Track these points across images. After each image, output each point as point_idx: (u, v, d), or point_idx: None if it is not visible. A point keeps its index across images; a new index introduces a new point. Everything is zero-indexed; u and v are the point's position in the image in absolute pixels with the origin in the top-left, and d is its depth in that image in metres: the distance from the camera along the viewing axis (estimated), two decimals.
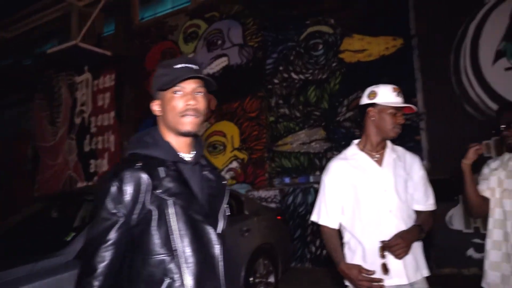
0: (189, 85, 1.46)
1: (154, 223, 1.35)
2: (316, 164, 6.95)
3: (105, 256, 1.31)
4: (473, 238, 5.45)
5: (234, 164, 7.97)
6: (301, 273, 6.37)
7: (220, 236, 1.45)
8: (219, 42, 8.50)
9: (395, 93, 2.13)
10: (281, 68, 7.60)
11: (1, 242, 3.67)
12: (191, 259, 1.36)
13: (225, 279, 1.43)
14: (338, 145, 6.65)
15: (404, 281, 2.02)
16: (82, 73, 10.74)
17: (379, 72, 6.32)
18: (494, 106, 5.44)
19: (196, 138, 1.58)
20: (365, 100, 2.20)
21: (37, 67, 11.40)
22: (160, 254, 1.34)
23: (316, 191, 2.32)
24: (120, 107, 9.73)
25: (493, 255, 2.25)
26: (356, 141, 2.30)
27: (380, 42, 6.55)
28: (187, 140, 1.51)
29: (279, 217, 5.62)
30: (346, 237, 2.22)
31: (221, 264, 1.43)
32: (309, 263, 6.79)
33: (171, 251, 1.35)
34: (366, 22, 6.71)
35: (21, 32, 12.36)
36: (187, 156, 1.51)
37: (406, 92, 2.35)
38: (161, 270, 1.33)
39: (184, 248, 1.36)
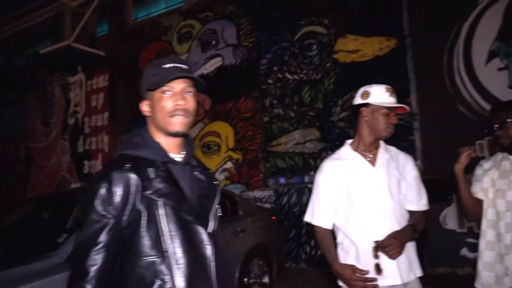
0: (178, 85, 1.45)
1: (144, 224, 1.34)
2: (310, 164, 6.95)
3: (97, 259, 1.29)
4: (467, 237, 5.47)
5: (229, 165, 7.96)
6: (296, 273, 6.37)
7: (212, 236, 1.44)
8: (213, 42, 8.48)
9: (388, 93, 2.13)
10: (275, 68, 7.59)
11: None
12: (182, 260, 1.34)
13: (217, 279, 1.42)
14: (332, 145, 6.65)
15: (397, 281, 2.02)
16: (76, 74, 10.67)
17: (373, 72, 6.33)
18: (487, 106, 5.46)
19: (186, 138, 1.56)
20: (358, 100, 2.20)
21: (30, 68, 11.32)
22: (150, 255, 1.33)
23: (311, 191, 2.32)
24: (114, 107, 9.68)
25: (486, 256, 2.25)
26: (349, 141, 2.30)
27: (374, 42, 6.57)
28: (177, 141, 1.50)
29: (273, 218, 5.61)
30: (340, 237, 2.21)
31: (212, 265, 1.41)
32: (304, 263, 6.78)
33: (162, 253, 1.33)
34: (360, 23, 6.72)
35: (13, 32, 12.26)
36: (177, 157, 1.50)
37: (400, 92, 2.36)
38: (152, 272, 1.31)
39: (175, 249, 1.34)
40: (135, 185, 1.34)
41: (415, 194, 2.20)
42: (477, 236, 2.39)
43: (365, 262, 2.04)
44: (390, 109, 2.13)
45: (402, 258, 2.03)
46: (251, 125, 7.76)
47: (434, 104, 5.95)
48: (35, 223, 4.03)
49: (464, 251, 5.47)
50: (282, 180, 7.29)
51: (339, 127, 6.78)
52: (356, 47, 6.75)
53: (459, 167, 2.24)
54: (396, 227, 2.05)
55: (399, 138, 5.87)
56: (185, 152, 1.53)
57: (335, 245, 2.21)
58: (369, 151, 2.20)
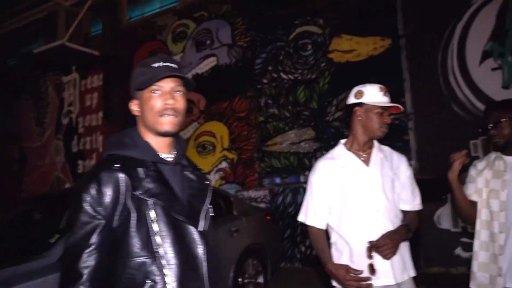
0: (168, 84, 1.43)
1: (133, 225, 1.32)
2: (305, 164, 6.95)
3: (89, 261, 1.27)
4: (461, 237, 5.48)
5: (224, 164, 7.94)
6: (290, 273, 6.36)
7: (204, 236, 1.42)
8: (208, 42, 8.47)
9: (382, 93, 2.13)
10: (270, 68, 7.59)
11: None
12: (173, 261, 1.33)
13: (209, 279, 1.41)
14: (327, 145, 6.65)
15: (391, 281, 2.02)
16: (70, 73, 10.62)
17: (367, 72, 6.34)
18: (481, 106, 5.48)
19: (177, 138, 1.55)
20: (352, 100, 2.20)
21: (24, 67, 11.24)
22: (141, 256, 1.31)
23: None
24: (108, 107, 9.64)
25: (481, 256, 2.25)
26: (343, 141, 2.30)
27: (368, 42, 6.58)
28: (166, 140, 1.48)
29: (268, 217, 5.60)
30: (333, 237, 2.21)
31: (204, 265, 1.40)
32: (298, 263, 6.78)
33: (153, 253, 1.31)
34: (355, 23, 6.72)
35: (6, 32, 12.19)
36: (168, 157, 1.48)
37: (395, 92, 2.35)
38: (142, 273, 1.30)
39: (166, 249, 1.33)
40: (125, 185, 1.33)
41: (409, 193, 2.20)
42: (471, 235, 2.39)
43: (359, 262, 2.03)
44: (384, 108, 2.12)
45: (396, 258, 2.02)
46: (246, 125, 7.75)
47: (428, 104, 5.97)
48: (27, 223, 4.00)
49: (458, 251, 5.49)
50: (277, 180, 7.28)
51: (334, 127, 6.78)
52: (351, 47, 6.76)
53: (453, 175, 2.24)
54: (390, 227, 2.05)
55: (394, 138, 5.89)
56: (175, 152, 1.52)
57: (329, 245, 2.21)
58: (363, 151, 2.19)
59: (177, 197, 1.42)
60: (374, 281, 1.98)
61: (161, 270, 1.31)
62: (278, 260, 5.55)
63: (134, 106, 1.49)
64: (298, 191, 6.92)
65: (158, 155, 1.45)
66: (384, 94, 2.13)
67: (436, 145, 5.67)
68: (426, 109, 5.98)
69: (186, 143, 1.65)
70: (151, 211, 1.34)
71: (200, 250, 1.40)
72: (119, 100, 9.32)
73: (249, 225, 4.94)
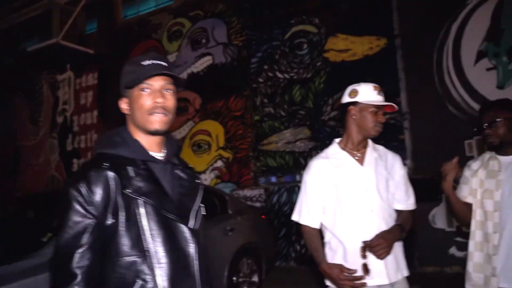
0: (157, 82, 1.41)
1: (123, 224, 1.30)
2: (301, 163, 6.95)
3: (83, 261, 1.25)
4: (456, 236, 5.50)
5: (219, 163, 7.93)
6: (285, 272, 6.36)
7: (195, 234, 1.41)
8: (204, 40, 8.45)
9: (376, 92, 2.12)
10: (266, 67, 7.58)
11: None
12: (164, 259, 1.31)
13: (201, 278, 1.39)
14: (323, 144, 6.63)
15: (385, 281, 2.01)
16: (64, 72, 10.58)
17: (363, 71, 6.34)
18: (476, 106, 5.49)
19: (168, 137, 1.53)
20: (346, 99, 2.19)
21: (18, 65, 11.18)
22: (131, 255, 1.29)
23: None
24: (103, 106, 9.60)
25: (476, 257, 2.24)
26: (337, 140, 2.29)
27: (364, 42, 6.58)
28: (157, 139, 1.46)
29: (263, 216, 5.60)
30: (327, 237, 2.20)
31: (196, 263, 1.39)
32: (293, 262, 6.78)
33: (143, 252, 1.30)
34: (350, 22, 6.73)
35: (1, 30, 12.11)
36: (158, 155, 1.46)
37: (390, 92, 2.36)
38: (133, 272, 1.28)
39: (156, 248, 1.31)
40: (114, 183, 1.31)
41: (403, 193, 2.19)
42: (465, 235, 2.39)
43: (353, 261, 2.02)
44: (378, 107, 2.12)
45: (389, 258, 2.02)
46: (241, 124, 7.74)
47: (423, 103, 5.98)
48: (20, 222, 3.97)
49: (453, 250, 5.50)
50: (272, 179, 7.28)
51: (329, 126, 6.79)
52: (347, 46, 6.76)
53: (447, 185, 2.25)
54: (384, 226, 2.04)
55: (389, 138, 5.89)
56: (165, 151, 1.50)
57: (323, 244, 2.20)
58: (357, 150, 2.19)
59: (168, 195, 1.40)
60: (368, 281, 1.97)
61: (151, 269, 1.29)
62: (272, 259, 5.54)
63: (124, 105, 1.48)
64: (294, 190, 6.92)
65: (148, 154, 1.43)
66: (378, 93, 2.13)
67: (431, 145, 5.69)
68: (421, 109, 5.99)
69: (181, 142, 1.63)
70: (141, 210, 1.32)
71: (191, 248, 1.38)
72: (114, 98, 9.22)
73: (244, 224, 4.94)
